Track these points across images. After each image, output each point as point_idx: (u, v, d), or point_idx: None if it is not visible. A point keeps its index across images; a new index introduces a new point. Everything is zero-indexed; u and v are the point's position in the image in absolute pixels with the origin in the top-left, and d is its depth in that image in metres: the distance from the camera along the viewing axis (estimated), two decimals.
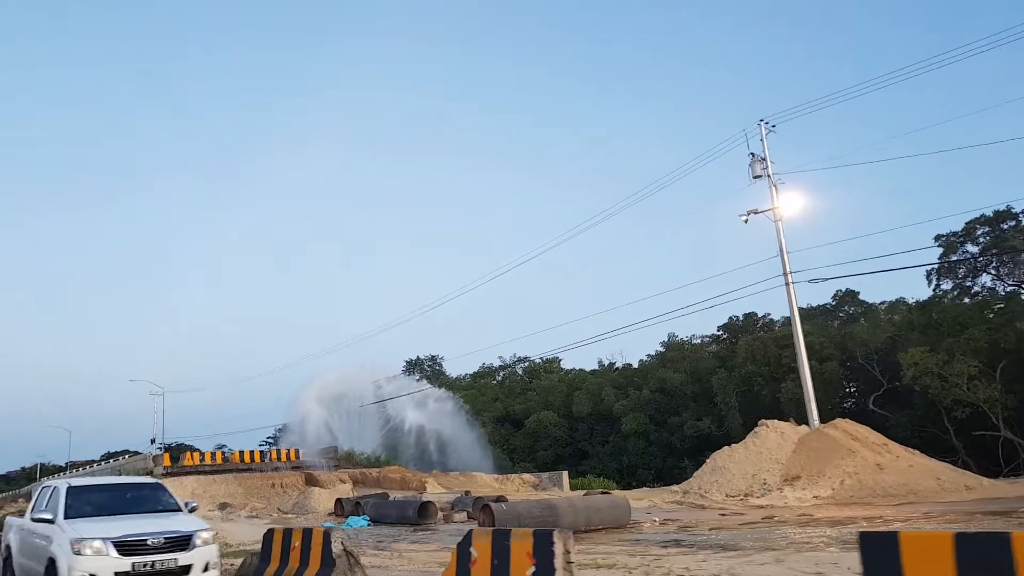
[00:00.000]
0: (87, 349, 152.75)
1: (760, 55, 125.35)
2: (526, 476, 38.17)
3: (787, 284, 27.03)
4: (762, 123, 28.30)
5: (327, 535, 9.04)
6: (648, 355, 64.63)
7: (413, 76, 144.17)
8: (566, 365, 77.36)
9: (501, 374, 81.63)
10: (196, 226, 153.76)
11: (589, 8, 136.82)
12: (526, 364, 79.35)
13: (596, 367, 72.89)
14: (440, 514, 23.95)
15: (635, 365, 66.47)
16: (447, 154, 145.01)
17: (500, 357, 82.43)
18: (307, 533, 9.44)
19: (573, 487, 36.59)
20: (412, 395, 50.51)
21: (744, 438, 48.39)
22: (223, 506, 33.11)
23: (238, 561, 11.18)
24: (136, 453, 68.75)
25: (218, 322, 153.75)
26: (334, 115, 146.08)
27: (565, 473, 36.95)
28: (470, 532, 7.12)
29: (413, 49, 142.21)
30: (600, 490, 21.79)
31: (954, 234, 45.44)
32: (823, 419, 36.80)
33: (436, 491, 34.15)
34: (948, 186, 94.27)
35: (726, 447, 26.61)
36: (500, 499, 25.89)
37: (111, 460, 60.09)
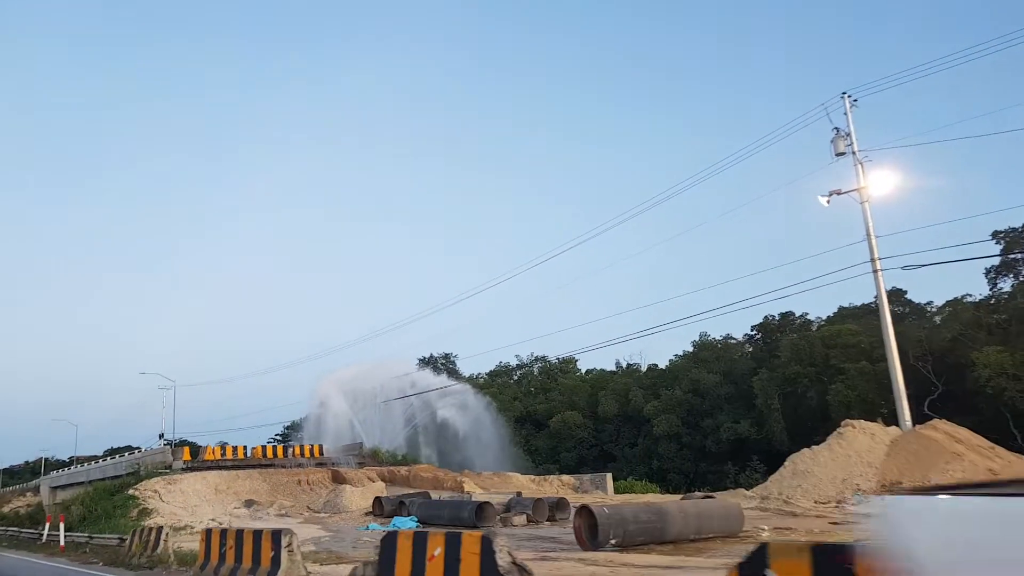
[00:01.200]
0: (90, 344, 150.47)
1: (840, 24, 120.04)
2: (565, 478, 35.91)
3: (875, 272, 24.70)
4: (846, 96, 26.06)
5: (488, 542, 6.78)
6: (675, 355, 62.34)
7: (434, 73, 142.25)
8: (582, 366, 75.39)
9: (518, 373, 79.59)
10: (204, 220, 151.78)
11: None
12: (542, 364, 77.53)
13: (614, 368, 70.93)
14: (496, 517, 21.74)
15: (661, 366, 64.16)
16: (462, 151, 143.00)
17: (517, 356, 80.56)
18: (453, 539, 7.18)
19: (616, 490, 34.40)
20: (436, 391, 48.20)
21: (788, 442, 46.07)
22: (249, 503, 30.92)
23: (342, 569, 8.97)
24: (138, 449, 66.36)
25: (224, 319, 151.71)
26: (349, 112, 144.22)
27: (609, 475, 34.70)
28: (764, 546, 4.89)
29: (433, 48, 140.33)
30: (701, 493, 19.51)
31: (1013, 230, 43.26)
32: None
33: (474, 491, 31.91)
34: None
35: (806, 449, 24.30)
36: (562, 502, 23.60)
37: (115, 456, 57.76)
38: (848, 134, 25.73)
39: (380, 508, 26.96)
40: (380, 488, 32.08)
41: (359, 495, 31.04)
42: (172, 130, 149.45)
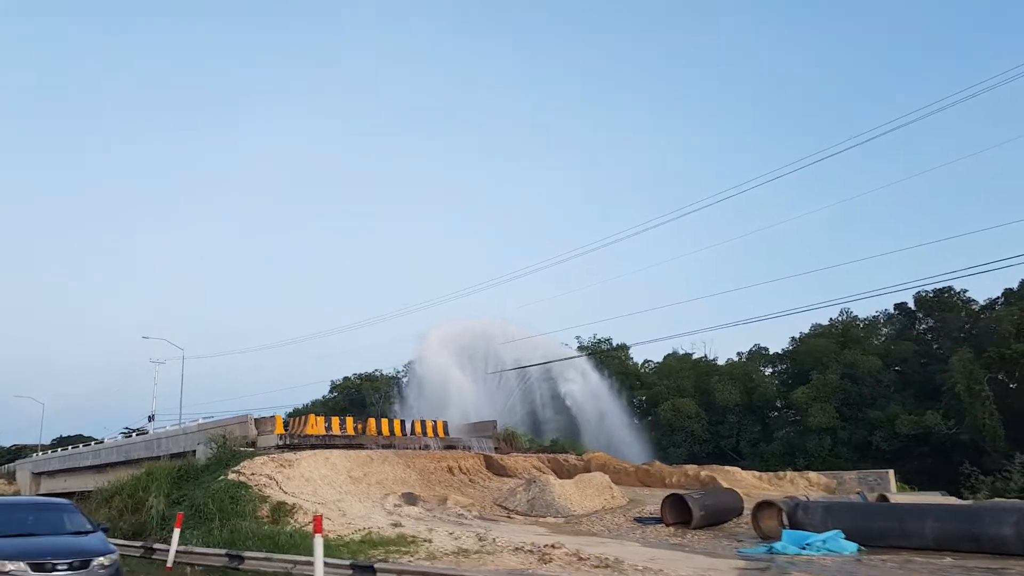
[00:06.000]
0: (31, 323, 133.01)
1: None
2: (812, 475, 26.13)
3: None
4: None
5: None
6: (793, 337, 53.05)
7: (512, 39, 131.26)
8: (636, 354, 66.79)
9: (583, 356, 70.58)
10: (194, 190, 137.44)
11: None
12: (595, 348, 69.00)
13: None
14: None
15: (775, 349, 54.84)
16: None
17: (578, 338, 71.44)
18: None
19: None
20: (558, 363, 37.93)
21: (1003, 438, 36.71)
22: (410, 498, 20.28)
23: None
24: (92, 439, 53.73)
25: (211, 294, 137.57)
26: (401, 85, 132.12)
27: (890, 472, 25.13)
28: None
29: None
30: None
31: None
32: None
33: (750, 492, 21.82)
34: None
35: None
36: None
37: (70, 447, 45.90)
38: None
39: (781, 518, 16.55)
40: (604, 482, 21.73)
41: (575, 491, 20.71)
42: (189, 80, 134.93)
